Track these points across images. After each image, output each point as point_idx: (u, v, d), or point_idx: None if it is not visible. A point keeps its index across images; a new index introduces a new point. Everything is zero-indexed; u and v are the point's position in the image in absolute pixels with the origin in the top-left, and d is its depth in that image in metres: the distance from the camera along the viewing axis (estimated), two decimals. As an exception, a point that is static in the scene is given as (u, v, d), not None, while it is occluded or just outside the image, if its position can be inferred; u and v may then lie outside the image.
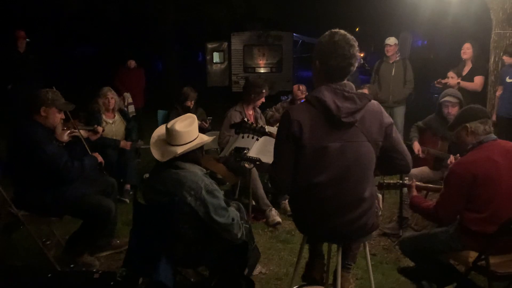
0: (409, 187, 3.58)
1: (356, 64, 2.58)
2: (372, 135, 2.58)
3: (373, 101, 2.62)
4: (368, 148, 2.57)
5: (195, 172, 3.13)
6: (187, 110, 6.28)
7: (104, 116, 5.95)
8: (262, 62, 18.03)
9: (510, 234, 2.97)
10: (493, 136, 3.23)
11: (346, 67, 2.53)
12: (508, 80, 6.24)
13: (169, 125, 3.15)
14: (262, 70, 17.99)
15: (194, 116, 3.28)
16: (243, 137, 3.17)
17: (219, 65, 19.08)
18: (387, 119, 2.65)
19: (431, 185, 3.81)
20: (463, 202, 3.10)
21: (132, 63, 9.20)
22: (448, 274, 3.50)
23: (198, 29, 17.84)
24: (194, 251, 3.24)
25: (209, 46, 19.03)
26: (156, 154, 3.16)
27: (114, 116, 6.08)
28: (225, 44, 18.58)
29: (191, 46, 24.03)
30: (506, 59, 6.17)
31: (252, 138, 3.10)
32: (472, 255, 3.13)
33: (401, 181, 3.83)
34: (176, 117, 3.42)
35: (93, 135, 4.72)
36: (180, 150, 3.09)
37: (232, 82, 17.80)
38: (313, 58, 2.64)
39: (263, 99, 5.67)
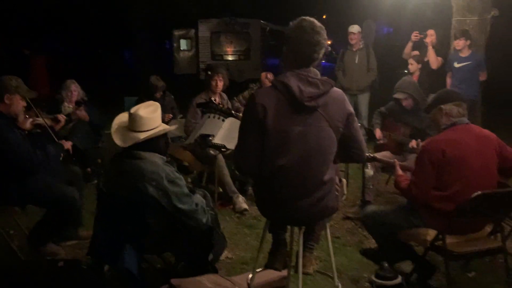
0: (394, 166, 3.67)
1: (323, 52, 2.63)
2: (334, 121, 2.64)
3: (336, 89, 2.69)
4: (329, 133, 2.64)
5: (155, 162, 3.10)
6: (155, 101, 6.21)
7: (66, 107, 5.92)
8: (230, 49, 17.98)
9: (466, 215, 3.09)
10: (466, 120, 3.35)
11: (311, 54, 2.59)
12: (456, 65, 6.49)
13: (132, 110, 3.13)
14: (230, 58, 17.95)
15: (158, 104, 3.27)
16: (209, 117, 3.18)
17: (186, 52, 18.94)
18: (349, 107, 2.72)
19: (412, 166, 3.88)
20: (433, 178, 3.19)
21: (25, 51, 8.86)
22: (407, 254, 3.61)
23: (165, 16, 17.68)
24: (159, 238, 3.26)
25: (176, 33, 18.86)
26: (117, 140, 3.13)
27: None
28: (192, 31, 18.45)
29: (159, 34, 23.78)
30: (458, 43, 6.39)
31: (218, 118, 3.12)
32: (431, 233, 3.24)
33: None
34: None
35: (56, 124, 4.66)
36: (142, 136, 3.08)
37: (200, 69, 17.68)
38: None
39: (220, 83, 5.61)
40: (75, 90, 6.01)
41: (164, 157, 3.22)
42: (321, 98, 2.59)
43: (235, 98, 6.84)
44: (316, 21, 2.60)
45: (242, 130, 2.70)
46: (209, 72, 5.57)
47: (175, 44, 19.03)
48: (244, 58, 17.96)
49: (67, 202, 3.89)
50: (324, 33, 2.60)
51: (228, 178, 5.23)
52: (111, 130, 3.20)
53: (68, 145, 4.25)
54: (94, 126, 6.06)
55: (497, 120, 7.95)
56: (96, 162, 6.08)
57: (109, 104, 8.98)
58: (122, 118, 3.25)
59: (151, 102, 3.27)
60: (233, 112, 3.07)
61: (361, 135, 2.81)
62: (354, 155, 2.80)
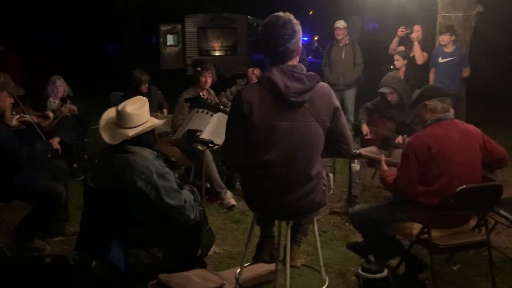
0: (380, 161, 3.70)
1: (297, 43, 2.62)
2: (321, 115, 2.65)
3: (322, 83, 2.69)
4: (316, 128, 2.65)
5: (146, 156, 3.11)
6: (141, 96, 6.17)
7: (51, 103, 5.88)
8: (216, 45, 17.95)
9: (450, 209, 3.14)
10: (451, 115, 3.39)
11: (286, 49, 2.58)
12: (440, 60, 6.57)
13: (119, 107, 3.11)
14: (217, 53, 17.92)
15: (145, 98, 3.25)
16: (197, 111, 3.19)
17: (173, 47, 18.85)
18: (336, 102, 2.73)
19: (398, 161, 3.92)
20: (419, 173, 3.22)
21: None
22: (393, 248, 3.66)
23: (152, 11, 17.58)
24: (146, 233, 3.26)
25: (163, 28, 18.75)
26: (106, 137, 3.11)
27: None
28: (179, 27, 18.36)
29: (144, 29, 23.64)
30: (443, 38, 6.47)
31: (207, 113, 3.13)
32: (417, 227, 3.28)
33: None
34: None
35: (44, 121, 4.63)
36: (131, 132, 3.07)
37: (187, 65, 17.62)
38: None
39: (209, 79, 5.61)
40: (60, 86, 5.99)
41: (154, 152, 3.22)
42: (307, 93, 2.60)
43: (222, 93, 6.83)
44: (287, 16, 2.59)
45: (228, 126, 2.72)
46: (198, 68, 5.54)
47: (161, 39, 18.92)
48: (231, 54, 17.95)
49: (53, 198, 3.88)
50: (290, 24, 2.56)
51: (215, 174, 5.24)
52: (99, 126, 3.17)
53: (56, 144, 4.22)
54: (81, 121, 6.03)
55: (480, 115, 8.08)
56: (83, 157, 6.05)
57: (95, 99, 8.94)
58: (109, 114, 3.21)
59: (138, 97, 3.25)
60: (221, 107, 3.07)
61: (348, 129, 2.83)
62: (341, 149, 2.81)
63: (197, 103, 3.07)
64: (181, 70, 17.98)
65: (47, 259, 3.44)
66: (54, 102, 5.96)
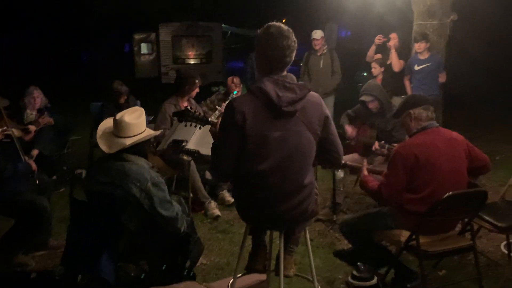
0: (361, 167, 3.73)
1: (294, 54, 2.66)
2: (312, 125, 2.68)
3: (313, 93, 2.73)
4: (308, 138, 2.67)
5: (141, 164, 3.14)
6: (119, 107, 6.10)
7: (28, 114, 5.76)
8: (191, 53, 17.90)
9: (437, 215, 3.19)
10: (436, 123, 3.44)
11: (281, 58, 2.61)
12: (416, 67, 6.71)
13: (117, 117, 3.13)
14: (192, 61, 17.86)
15: (142, 109, 3.28)
16: (185, 125, 3.19)
17: (147, 56, 18.71)
18: (326, 111, 2.76)
19: (380, 169, 3.97)
20: (405, 182, 3.26)
21: None
22: (383, 256, 3.69)
23: (125, 19, 17.46)
24: (136, 245, 3.23)
25: (136, 37, 18.60)
26: (103, 146, 3.13)
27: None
28: (153, 35, 18.24)
29: (118, 37, 23.42)
30: (419, 46, 6.60)
31: (195, 126, 3.13)
32: (404, 234, 3.32)
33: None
34: (109, 116, 3.37)
35: (26, 135, 4.54)
36: (128, 142, 3.09)
37: (162, 73, 17.53)
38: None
39: (197, 89, 5.64)
40: (38, 97, 5.85)
41: (150, 163, 3.23)
42: (299, 102, 2.62)
43: (202, 102, 6.81)
44: (283, 26, 2.63)
45: (221, 135, 2.72)
46: (196, 81, 5.55)
47: (135, 48, 18.77)
48: (206, 62, 17.90)
49: (37, 212, 3.82)
50: (292, 36, 2.62)
51: (200, 184, 5.22)
52: (97, 136, 3.19)
53: (34, 165, 4.14)
54: (59, 133, 5.92)
55: (456, 119, 8.24)
56: (62, 169, 5.94)
57: (72, 109, 8.83)
58: (106, 124, 3.24)
59: (136, 107, 3.29)
60: (210, 119, 3.08)
61: (338, 138, 2.86)
62: (332, 158, 2.84)
63: (185, 116, 3.06)
64: (156, 79, 17.88)
65: (32, 275, 3.38)
66: (31, 114, 5.83)
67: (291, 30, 2.64)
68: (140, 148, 3.19)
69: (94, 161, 3.33)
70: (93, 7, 14.94)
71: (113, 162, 3.11)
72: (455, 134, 3.46)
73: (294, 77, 2.70)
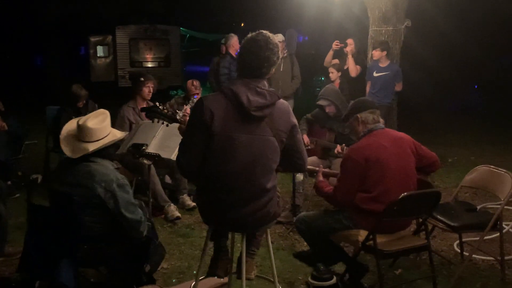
0: (317, 172, 3.79)
1: (272, 69, 2.71)
2: (279, 131, 2.73)
3: (282, 100, 2.78)
4: (273, 143, 2.72)
5: (107, 166, 3.12)
6: (78, 111, 5.98)
7: None
8: (149, 56, 17.75)
9: (394, 215, 3.29)
10: (381, 125, 3.56)
11: (257, 68, 2.66)
12: (375, 74, 6.88)
13: (80, 121, 3.09)
14: (149, 65, 17.71)
15: (107, 112, 3.25)
16: (152, 121, 3.18)
17: (103, 59, 18.43)
18: (294, 119, 2.82)
19: (336, 172, 4.05)
20: (357, 184, 3.35)
21: None
22: (338, 255, 3.76)
23: (80, 21, 17.11)
24: (96, 250, 3.19)
25: (92, 39, 18.32)
26: (66, 150, 3.08)
27: None
28: (110, 38, 17.99)
29: (73, 40, 22.91)
30: (375, 53, 6.78)
31: (162, 123, 3.13)
32: (362, 233, 3.40)
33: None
34: (68, 120, 3.33)
35: None
36: (92, 147, 3.06)
37: (119, 76, 17.29)
38: None
39: (151, 89, 5.58)
40: None
41: (115, 164, 3.20)
42: (268, 108, 2.67)
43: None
44: (273, 38, 2.68)
45: (187, 132, 2.74)
46: (142, 79, 5.48)
47: (91, 51, 18.44)
48: (164, 65, 17.78)
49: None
50: (277, 51, 2.67)
51: (159, 187, 5.19)
52: (60, 139, 3.13)
53: None
54: (14, 137, 5.77)
55: (410, 125, 8.49)
56: (17, 174, 5.78)
57: (26, 114, 8.59)
58: (70, 126, 3.18)
59: (101, 110, 3.24)
60: (178, 117, 3.08)
61: (303, 146, 2.92)
62: (296, 164, 2.91)
63: (153, 112, 3.05)
64: (112, 82, 17.61)
65: (-13, 283, 3.28)
66: (-16, 119, 5.66)
67: (277, 44, 2.68)
68: (105, 152, 3.16)
69: (60, 162, 3.25)
70: (46, 9, 14.54)
71: (79, 163, 3.08)
72: (401, 133, 3.59)
73: (266, 83, 2.74)
